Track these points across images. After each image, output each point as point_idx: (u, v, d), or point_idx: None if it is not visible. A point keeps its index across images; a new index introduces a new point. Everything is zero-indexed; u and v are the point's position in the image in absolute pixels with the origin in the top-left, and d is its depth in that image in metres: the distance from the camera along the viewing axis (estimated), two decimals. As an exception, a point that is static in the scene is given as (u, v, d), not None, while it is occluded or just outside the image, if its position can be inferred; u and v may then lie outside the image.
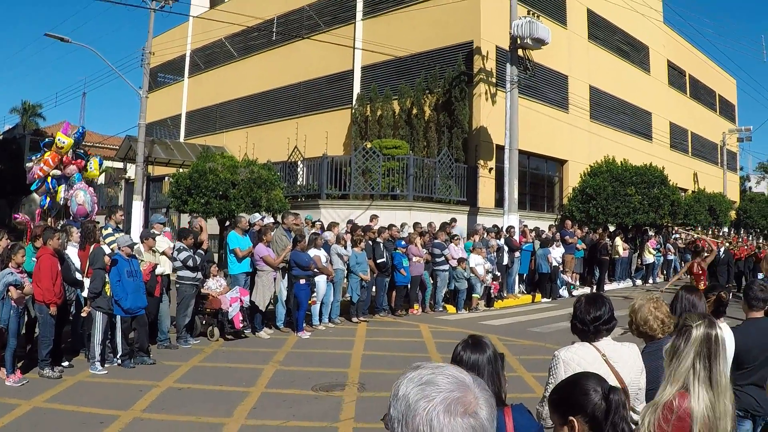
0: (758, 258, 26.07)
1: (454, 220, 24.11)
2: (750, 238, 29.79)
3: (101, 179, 44.27)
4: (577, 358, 4.69)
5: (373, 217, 22.79)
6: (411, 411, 1.85)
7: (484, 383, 1.99)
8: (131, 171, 35.61)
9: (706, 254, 18.11)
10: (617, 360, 4.71)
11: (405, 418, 1.86)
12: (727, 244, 26.64)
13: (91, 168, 18.46)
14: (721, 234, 29.52)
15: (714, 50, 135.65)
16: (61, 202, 18.34)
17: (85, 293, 12.91)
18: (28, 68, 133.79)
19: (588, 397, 3.23)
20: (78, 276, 13.03)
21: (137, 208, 29.40)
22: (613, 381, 4.56)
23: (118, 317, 12.52)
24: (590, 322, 4.80)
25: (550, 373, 4.77)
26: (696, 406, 3.55)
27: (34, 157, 18.85)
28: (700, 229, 32.27)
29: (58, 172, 17.77)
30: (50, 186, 18.40)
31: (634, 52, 42.99)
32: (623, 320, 5.33)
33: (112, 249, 13.10)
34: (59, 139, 17.91)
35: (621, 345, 4.91)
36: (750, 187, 78.24)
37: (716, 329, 3.62)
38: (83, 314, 12.68)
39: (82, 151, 19.17)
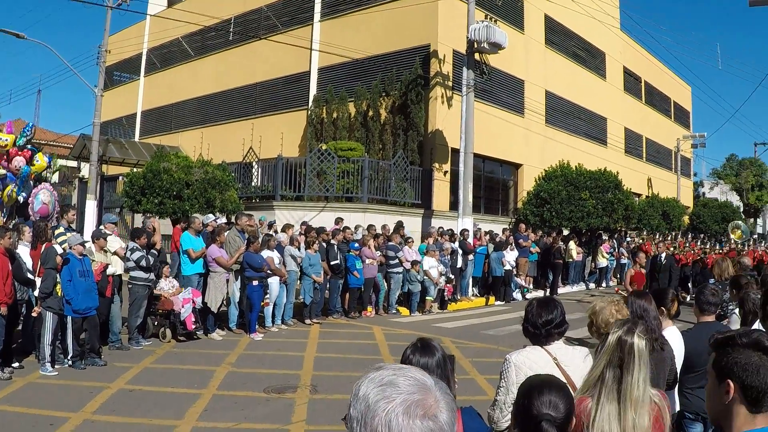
0: (705, 263, 26.12)
1: (401, 223, 23.98)
2: (699, 243, 29.72)
3: (55, 178, 43.85)
4: (529, 362, 4.69)
5: (339, 220, 22.82)
6: (370, 411, 1.83)
7: (446, 386, 1.98)
8: (85, 170, 35.26)
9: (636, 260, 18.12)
10: (568, 364, 4.71)
11: (364, 419, 1.84)
12: (672, 249, 26.40)
13: (37, 161, 18.16)
14: (668, 239, 29.45)
15: (670, 58, 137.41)
16: (7, 201, 18.05)
17: (36, 293, 12.75)
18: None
19: (526, 414, 3.24)
20: (29, 276, 12.86)
21: (91, 207, 29.13)
22: None
23: (69, 318, 12.35)
24: (542, 326, 4.81)
25: (502, 377, 4.79)
26: (598, 416, 3.52)
27: None
28: (646, 233, 32.10)
29: (2, 171, 17.49)
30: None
31: (590, 58, 43.29)
32: (576, 324, 5.35)
33: (63, 248, 12.97)
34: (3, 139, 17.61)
35: (572, 348, 4.92)
36: (703, 193, 79.20)
37: (633, 338, 3.58)
38: (34, 314, 12.48)
39: (32, 146, 18.88)
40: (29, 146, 18.11)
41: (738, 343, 2.74)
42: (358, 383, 1.93)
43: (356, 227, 22.71)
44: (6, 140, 17.32)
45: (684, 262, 26.52)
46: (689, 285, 27.82)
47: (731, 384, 2.71)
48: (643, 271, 16.64)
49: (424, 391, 1.87)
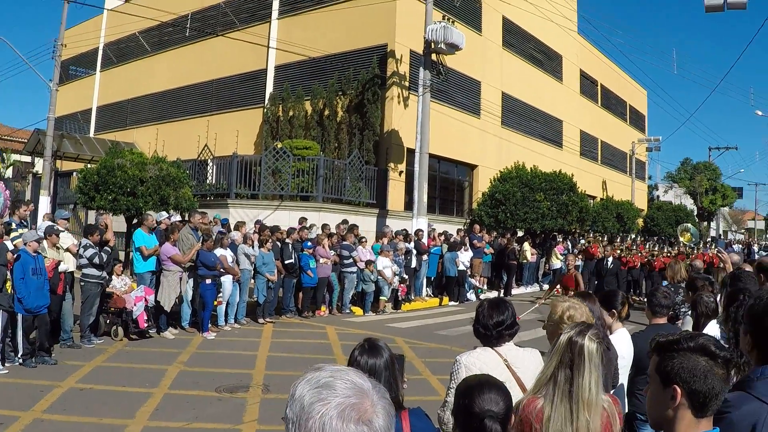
0: (652, 266, 26.21)
1: (355, 226, 23.92)
2: (647, 246, 29.64)
3: (8, 173, 43.40)
4: (479, 363, 4.69)
5: (303, 220, 22.92)
6: (305, 413, 1.81)
7: (385, 391, 1.95)
8: (39, 165, 34.95)
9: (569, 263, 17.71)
10: (519, 365, 4.72)
11: (299, 420, 1.82)
12: (619, 252, 26.42)
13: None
14: (624, 242, 29.34)
15: (626, 62, 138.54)
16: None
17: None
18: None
19: (467, 412, 3.25)
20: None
21: (44, 203, 28.87)
22: (514, 386, 4.56)
23: (20, 315, 12.19)
24: (493, 327, 4.83)
25: (452, 378, 4.78)
26: (550, 415, 3.52)
27: None
28: (593, 236, 32.16)
29: None
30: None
31: (547, 60, 43.50)
32: (530, 325, 5.37)
33: (15, 245, 12.81)
34: None
35: (523, 350, 4.93)
36: (658, 196, 79.80)
37: (584, 340, 3.58)
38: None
39: None
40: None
41: (684, 347, 2.74)
42: (296, 383, 1.91)
43: (311, 226, 22.69)
44: None
45: (631, 265, 26.32)
46: (637, 288, 27.97)
47: (678, 389, 2.70)
48: (574, 273, 15.98)
49: (361, 394, 1.84)
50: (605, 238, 30.62)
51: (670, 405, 2.73)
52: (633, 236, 38.66)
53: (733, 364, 2.73)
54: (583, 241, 32.57)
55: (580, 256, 26.12)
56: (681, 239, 30.93)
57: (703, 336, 2.79)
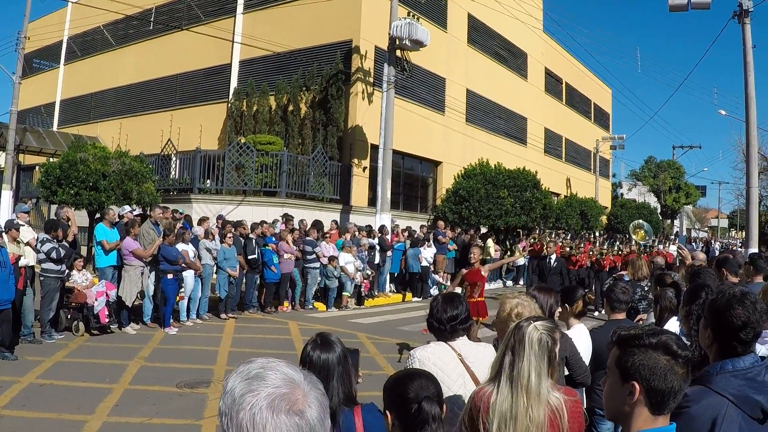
0: (601, 265, 25.17)
1: (319, 222, 23.88)
2: (596, 244, 28.97)
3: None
4: (433, 357, 4.70)
5: (289, 218, 22.89)
6: (236, 405, 1.83)
7: (317, 381, 1.96)
8: (1, 159, 34.64)
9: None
10: (473, 360, 4.73)
11: (230, 413, 1.83)
12: (568, 250, 25.59)
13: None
14: (560, 240, 28.62)
15: (591, 60, 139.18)
16: None
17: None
18: None
19: (403, 399, 3.28)
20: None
21: (6, 197, 28.63)
22: (468, 381, 4.60)
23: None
24: (447, 321, 4.86)
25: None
26: (496, 399, 3.55)
27: None
28: (538, 232, 31.17)
29: None
30: None
31: (512, 58, 43.66)
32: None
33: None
34: None
35: (477, 345, 4.96)
36: (622, 194, 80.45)
37: (528, 328, 3.60)
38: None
39: None
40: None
41: (645, 343, 2.74)
42: (227, 377, 1.93)
43: (273, 221, 22.65)
44: None
45: (580, 264, 25.25)
46: (588, 288, 27.35)
47: (637, 386, 2.70)
48: (480, 268, 13.46)
49: (291, 385, 1.86)
50: (560, 236, 30.38)
51: (627, 400, 2.74)
52: (597, 234, 38.63)
53: (693, 363, 2.76)
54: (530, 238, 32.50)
55: (525, 253, 26.45)
56: (634, 237, 29.96)
57: (665, 333, 2.78)
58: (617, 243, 29.36)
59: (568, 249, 25.61)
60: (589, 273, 25.33)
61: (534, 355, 3.52)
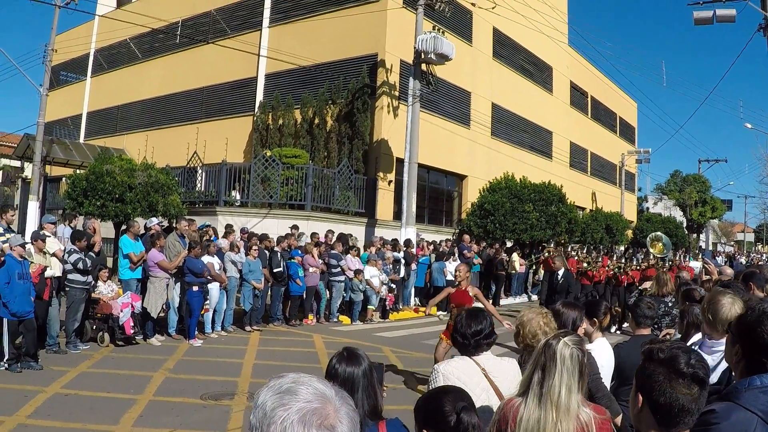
0: (619, 280, 24.36)
1: (348, 235, 23.87)
2: (614, 258, 27.65)
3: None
4: (457, 371, 4.71)
5: (294, 228, 22.73)
6: (267, 419, 1.82)
7: (348, 397, 1.95)
8: (28, 170, 34.86)
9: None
10: (497, 375, 4.73)
11: (261, 426, 1.83)
12: (585, 265, 24.71)
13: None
14: (575, 254, 27.42)
15: (616, 74, 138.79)
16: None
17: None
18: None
19: (440, 414, 3.26)
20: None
21: (33, 208, 28.76)
22: (492, 395, 4.59)
23: (5, 320, 12.14)
24: (471, 336, 4.86)
25: (429, 387, 4.75)
26: (524, 412, 3.54)
27: None
28: (553, 246, 30.43)
29: None
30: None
31: (537, 72, 43.61)
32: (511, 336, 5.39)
33: (2, 249, 12.78)
34: None
35: (501, 360, 4.95)
36: (647, 208, 80.00)
37: (558, 344, 3.59)
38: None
39: None
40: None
41: (654, 358, 2.77)
42: (259, 390, 1.92)
43: (299, 234, 22.68)
44: None
45: (597, 279, 24.57)
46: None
47: (639, 398, 2.75)
48: (468, 289, 11.90)
49: (323, 400, 1.85)
50: (575, 250, 29.31)
51: (636, 410, 2.80)
52: (622, 248, 38.31)
53: (705, 383, 2.74)
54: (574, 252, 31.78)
55: (538, 267, 25.73)
56: (651, 250, 28.71)
57: (680, 349, 2.79)
58: (636, 257, 28.34)
59: (585, 264, 24.94)
60: (606, 289, 24.68)
61: (566, 370, 3.50)
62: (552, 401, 3.47)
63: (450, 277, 24.72)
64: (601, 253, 30.64)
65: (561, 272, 18.43)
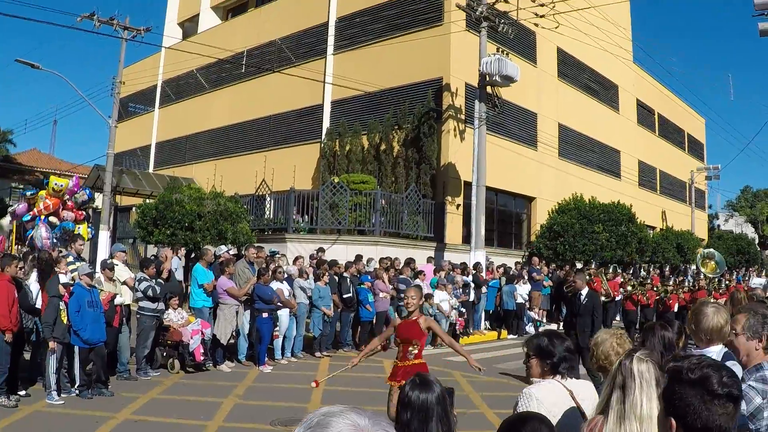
0: (667, 305, 22.68)
1: (411, 260, 23.77)
2: (662, 280, 25.20)
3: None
4: (551, 396, 4.68)
5: (358, 258, 22.53)
6: None
7: (388, 426, 1.87)
8: (99, 200, 35.41)
9: None
10: (583, 398, 4.70)
11: None
12: (630, 288, 22.91)
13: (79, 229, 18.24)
14: (615, 272, 25.78)
15: (683, 89, 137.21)
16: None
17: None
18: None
19: None
20: (38, 304, 12.89)
21: (104, 237, 29.16)
22: (578, 417, 4.55)
23: (76, 348, 12.34)
24: (563, 359, 4.82)
25: (517, 410, 4.71)
26: (606, 428, 3.51)
27: (28, 192, 18.58)
28: (594, 267, 26.48)
29: (55, 220, 17.53)
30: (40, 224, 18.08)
31: (603, 90, 43.29)
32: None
33: (73, 278, 12.98)
34: (56, 184, 17.64)
35: (581, 382, 4.92)
36: (718, 225, 78.92)
37: (633, 361, 3.56)
38: (50, 351, 12.42)
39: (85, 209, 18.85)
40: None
41: (684, 378, 2.67)
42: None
43: (368, 260, 22.68)
44: (62, 185, 17.42)
45: (644, 304, 22.70)
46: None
47: (673, 423, 2.65)
48: (419, 319, 9.66)
49: (355, 430, 1.79)
50: (606, 270, 25.89)
51: None
52: (694, 267, 37.52)
53: (739, 399, 2.65)
54: (643, 273, 30.79)
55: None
56: (702, 270, 25.93)
57: (710, 367, 2.70)
58: (688, 278, 25.68)
59: (629, 288, 23.47)
60: (654, 313, 22.82)
61: (645, 382, 3.47)
62: (636, 415, 3.44)
63: (520, 300, 24.63)
64: (651, 273, 28.73)
65: (584, 292, 16.15)
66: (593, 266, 25.32)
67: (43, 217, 18.82)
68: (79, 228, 18.13)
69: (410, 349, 9.29)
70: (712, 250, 29.12)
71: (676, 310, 22.32)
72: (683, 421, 2.60)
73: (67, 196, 17.52)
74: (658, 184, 51.92)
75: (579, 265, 30.30)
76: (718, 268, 26.64)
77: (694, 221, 54.57)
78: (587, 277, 21.79)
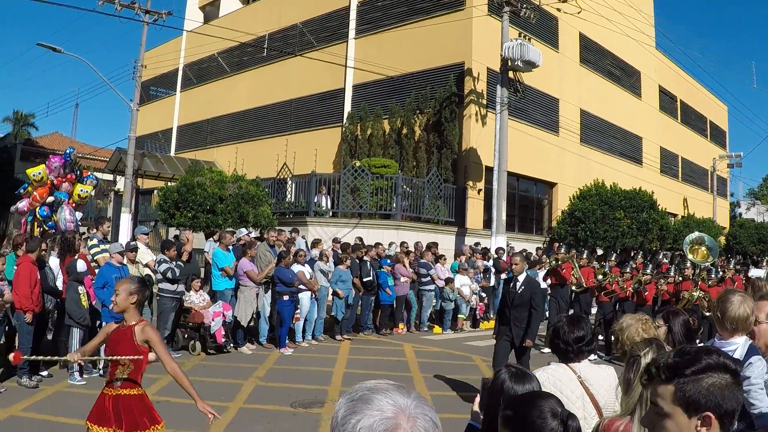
0: (642, 297, 18.98)
1: (434, 244, 23.65)
2: (695, 272, 20.72)
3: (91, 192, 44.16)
4: (554, 379, 4.72)
5: (378, 245, 22.15)
6: (338, 427, 1.83)
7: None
8: (121, 183, 35.52)
9: None
10: (593, 382, 4.71)
11: None
12: (600, 278, 19.61)
13: (83, 191, 18.17)
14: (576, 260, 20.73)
15: (705, 76, 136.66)
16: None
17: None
18: (20, 77, 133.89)
19: (544, 421, 3.11)
20: (58, 285, 12.95)
21: (125, 220, 29.26)
22: (587, 403, 4.56)
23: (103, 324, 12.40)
24: (573, 343, 4.86)
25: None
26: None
27: (23, 189, 18.54)
28: (565, 250, 21.42)
29: (51, 198, 17.49)
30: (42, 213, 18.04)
31: (625, 76, 43.07)
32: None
33: (96, 260, 13.04)
34: (34, 174, 17.57)
35: (598, 367, 4.92)
36: (740, 213, 78.28)
37: (648, 357, 3.55)
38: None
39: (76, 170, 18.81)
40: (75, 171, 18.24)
41: (703, 366, 2.54)
42: (339, 399, 1.93)
43: (390, 244, 22.69)
44: (39, 173, 17.42)
45: (621, 296, 19.27)
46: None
47: (712, 416, 2.47)
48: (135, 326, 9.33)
49: (396, 410, 1.83)
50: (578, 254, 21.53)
51: None
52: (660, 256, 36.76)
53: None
54: (665, 260, 29.45)
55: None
56: (690, 257, 22.21)
57: (712, 352, 2.61)
58: (677, 265, 20.86)
59: (600, 276, 19.76)
60: (633, 307, 18.62)
61: None
62: None
63: (544, 286, 24.16)
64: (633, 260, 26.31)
65: (521, 278, 12.57)
66: (562, 249, 20.89)
67: (53, 202, 18.72)
68: (81, 190, 17.96)
69: (120, 369, 6.65)
70: (701, 233, 25.11)
71: (659, 304, 18.67)
72: (721, 410, 2.46)
73: (52, 176, 17.40)
74: (680, 171, 51.63)
75: (600, 251, 30.23)
76: (710, 255, 23.20)
77: (715, 209, 54.17)
78: (554, 261, 20.29)
